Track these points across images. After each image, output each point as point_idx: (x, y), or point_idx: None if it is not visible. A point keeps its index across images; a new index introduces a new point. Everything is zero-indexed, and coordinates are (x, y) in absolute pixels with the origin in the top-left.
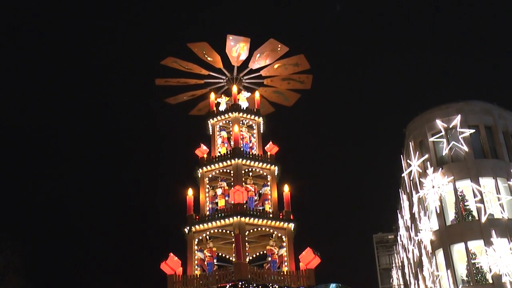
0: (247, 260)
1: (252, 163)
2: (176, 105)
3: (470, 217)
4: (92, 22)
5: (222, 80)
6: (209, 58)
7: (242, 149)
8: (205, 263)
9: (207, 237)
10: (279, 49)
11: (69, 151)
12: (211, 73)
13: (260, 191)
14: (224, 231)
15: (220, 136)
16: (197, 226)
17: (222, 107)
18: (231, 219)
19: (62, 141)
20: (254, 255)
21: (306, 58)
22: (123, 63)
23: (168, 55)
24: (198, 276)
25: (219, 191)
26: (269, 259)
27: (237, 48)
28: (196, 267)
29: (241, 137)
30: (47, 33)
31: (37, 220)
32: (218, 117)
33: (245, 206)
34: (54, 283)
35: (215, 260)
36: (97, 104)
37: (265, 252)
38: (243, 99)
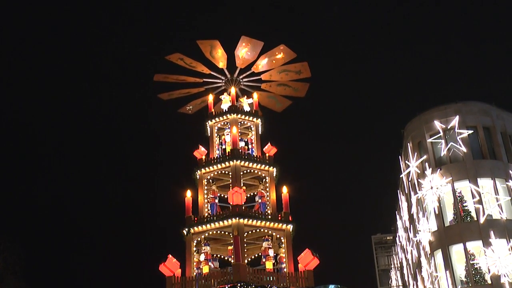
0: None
1: (250, 164)
2: (177, 106)
3: (468, 218)
4: (91, 21)
5: (220, 81)
6: (214, 58)
7: (246, 151)
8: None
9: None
10: (287, 53)
11: (68, 153)
12: (212, 73)
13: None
14: (222, 232)
15: (228, 134)
16: (195, 228)
17: (225, 105)
18: (229, 220)
19: (62, 143)
20: (253, 257)
21: (309, 66)
22: (122, 65)
23: (166, 57)
24: (196, 277)
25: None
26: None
27: (247, 50)
28: (205, 261)
29: (250, 141)
30: (45, 31)
31: (36, 223)
32: (217, 119)
33: (243, 208)
34: (52, 285)
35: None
36: (96, 105)
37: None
38: (245, 103)
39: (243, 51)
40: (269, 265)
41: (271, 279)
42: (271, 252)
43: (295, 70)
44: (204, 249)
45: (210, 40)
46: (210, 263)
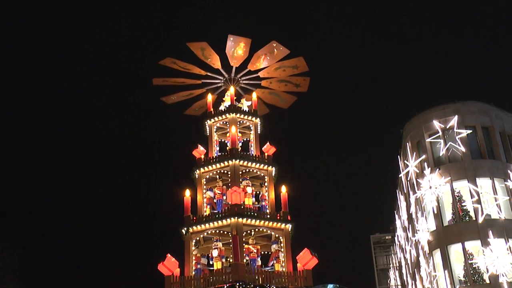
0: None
1: (249, 164)
2: (174, 106)
3: (467, 218)
4: (88, 20)
5: (219, 81)
6: (208, 59)
7: (246, 151)
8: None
9: (203, 236)
10: (280, 49)
11: (67, 153)
12: (208, 74)
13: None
14: (221, 232)
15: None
16: (194, 227)
17: (226, 104)
18: (228, 220)
19: (60, 143)
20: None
21: (305, 60)
22: (120, 64)
23: (166, 55)
24: (195, 277)
25: (215, 253)
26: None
27: (237, 49)
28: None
29: (251, 144)
30: (41, 31)
31: (34, 222)
32: (216, 118)
33: (242, 207)
34: (51, 284)
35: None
36: (94, 105)
37: (263, 253)
38: (245, 105)
39: (234, 50)
40: (278, 267)
41: (270, 278)
42: (281, 255)
43: (291, 66)
44: (216, 245)
45: (199, 42)
46: (223, 259)
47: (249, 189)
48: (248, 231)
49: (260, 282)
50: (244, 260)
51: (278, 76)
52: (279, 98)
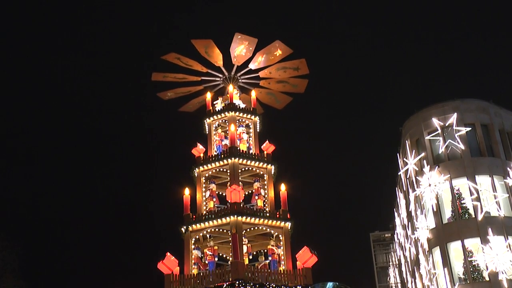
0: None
1: (249, 162)
2: (173, 104)
3: (466, 215)
4: (87, 17)
5: (218, 79)
6: (211, 56)
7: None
8: (206, 262)
9: (208, 235)
10: (283, 49)
11: (65, 151)
12: (209, 71)
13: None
14: (221, 230)
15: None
16: (194, 226)
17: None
18: (228, 218)
19: (59, 141)
20: (251, 254)
21: (307, 62)
22: (118, 62)
23: (163, 52)
24: (195, 275)
25: (207, 194)
26: (270, 258)
27: (242, 47)
28: (193, 266)
29: (248, 145)
30: (41, 31)
31: (34, 221)
32: (215, 117)
33: (242, 205)
34: (51, 283)
35: (216, 259)
36: (93, 103)
37: (262, 251)
38: (240, 104)
39: (239, 48)
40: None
41: (270, 277)
42: (281, 254)
43: (293, 67)
44: (193, 254)
45: (204, 40)
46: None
47: (263, 191)
48: (271, 232)
49: (260, 281)
50: (245, 261)
51: (278, 77)
52: (274, 98)
